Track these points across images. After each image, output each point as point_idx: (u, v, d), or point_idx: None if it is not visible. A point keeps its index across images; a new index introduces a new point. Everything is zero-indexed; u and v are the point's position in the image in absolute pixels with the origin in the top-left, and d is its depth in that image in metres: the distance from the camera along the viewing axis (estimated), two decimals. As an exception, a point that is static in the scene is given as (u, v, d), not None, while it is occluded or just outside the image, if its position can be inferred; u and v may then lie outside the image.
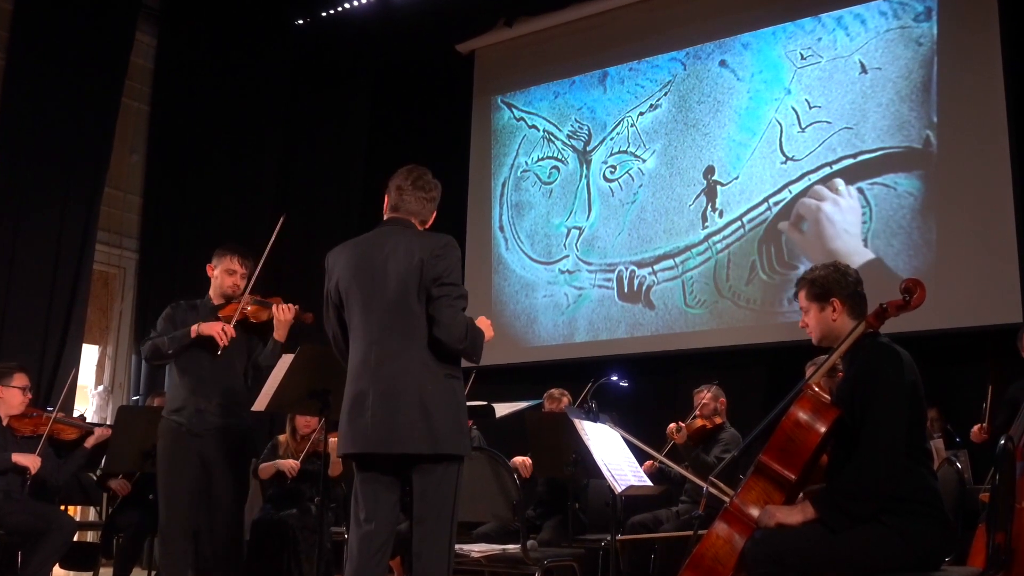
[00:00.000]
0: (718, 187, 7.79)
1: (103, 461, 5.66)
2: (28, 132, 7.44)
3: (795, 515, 2.93)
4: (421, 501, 3.22)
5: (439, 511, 3.21)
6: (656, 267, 7.99)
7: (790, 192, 7.46)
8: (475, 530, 5.35)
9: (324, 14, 9.20)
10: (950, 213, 6.79)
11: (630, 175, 8.28)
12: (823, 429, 2.98)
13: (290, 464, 5.71)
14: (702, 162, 7.92)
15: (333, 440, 3.65)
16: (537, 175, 8.85)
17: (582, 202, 8.52)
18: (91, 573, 5.75)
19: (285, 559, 5.51)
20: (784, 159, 7.53)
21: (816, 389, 3.07)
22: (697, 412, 5.70)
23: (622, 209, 8.28)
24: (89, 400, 8.42)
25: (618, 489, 4.16)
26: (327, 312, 3.44)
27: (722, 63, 7.99)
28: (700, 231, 7.82)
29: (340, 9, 9.10)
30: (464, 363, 3.34)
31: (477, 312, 3.43)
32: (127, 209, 8.65)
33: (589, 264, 8.37)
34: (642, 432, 5.66)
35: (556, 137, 8.79)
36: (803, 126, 7.47)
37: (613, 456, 4.35)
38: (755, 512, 2.98)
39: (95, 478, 6.23)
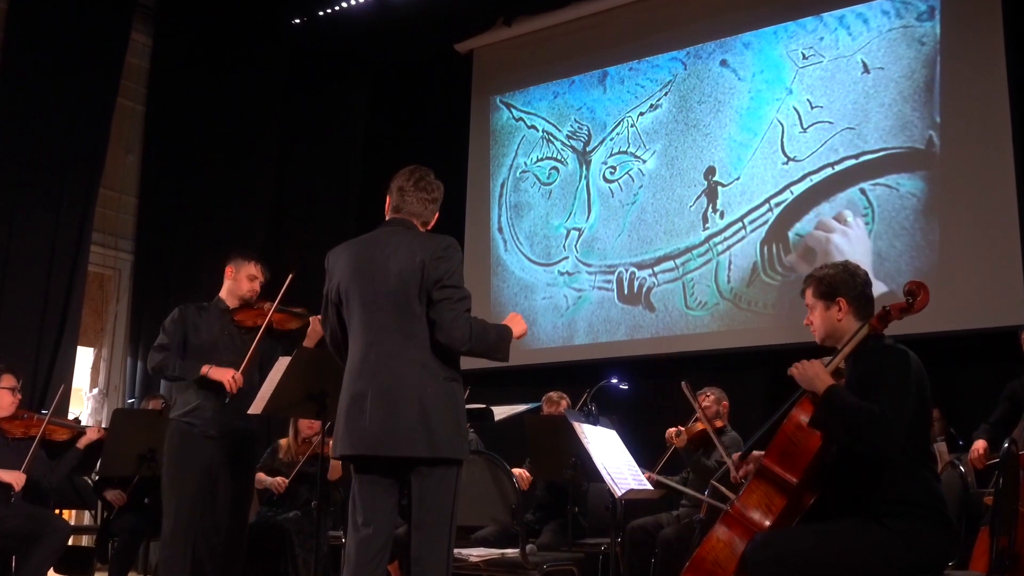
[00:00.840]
0: (719, 188, 7.75)
1: (98, 465, 5.63)
2: (22, 132, 7.40)
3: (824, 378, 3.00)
4: (420, 505, 3.20)
5: (438, 515, 3.20)
6: (656, 269, 7.95)
7: (792, 193, 7.41)
8: (474, 534, 5.35)
9: (321, 13, 9.16)
10: (953, 214, 6.75)
11: (630, 176, 8.24)
12: (825, 432, 2.98)
13: (276, 482, 5.69)
14: (703, 163, 7.88)
15: (333, 443, 3.62)
16: (536, 176, 8.81)
17: (582, 203, 8.47)
18: (86, 578, 5.73)
19: (282, 563, 5.48)
20: (786, 160, 7.49)
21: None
22: (698, 415, 5.66)
23: (622, 210, 8.23)
24: (84, 403, 8.38)
25: (618, 493, 4.14)
26: (326, 311, 3.43)
27: (723, 63, 7.95)
28: (701, 232, 7.78)
29: (337, 8, 9.06)
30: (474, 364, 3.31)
31: (476, 313, 3.38)
32: (122, 210, 8.61)
33: (589, 266, 8.33)
34: (642, 435, 5.63)
35: (555, 137, 8.75)
36: (805, 126, 7.43)
37: (613, 459, 4.34)
38: (756, 515, 2.99)
39: (91, 484, 6.20)
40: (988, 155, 6.68)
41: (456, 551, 3.63)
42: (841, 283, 3.16)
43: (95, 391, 8.35)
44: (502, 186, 9.00)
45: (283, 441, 6.04)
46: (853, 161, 7.18)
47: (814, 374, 3.02)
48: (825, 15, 7.50)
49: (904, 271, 6.74)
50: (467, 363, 3.35)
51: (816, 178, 7.32)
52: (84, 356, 8.30)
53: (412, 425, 3.13)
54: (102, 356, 8.51)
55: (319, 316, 4.38)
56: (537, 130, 8.89)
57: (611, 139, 8.42)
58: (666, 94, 8.20)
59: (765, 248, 7.46)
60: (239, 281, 4.57)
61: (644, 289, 7.99)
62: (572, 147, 8.64)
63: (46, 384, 7.24)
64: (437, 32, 9.07)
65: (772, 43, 7.73)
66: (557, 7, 8.69)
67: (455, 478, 3.23)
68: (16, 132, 7.37)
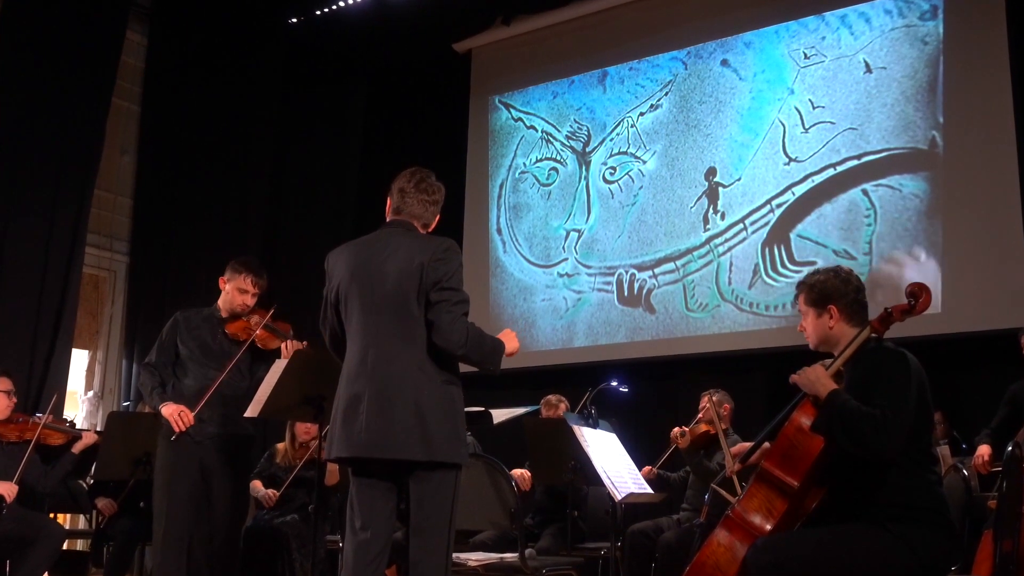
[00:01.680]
0: (720, 189, 7.71)
1: (93, 468, 5.61)
2: (16, 132, 7.35)
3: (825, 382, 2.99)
4: (418, 509, 3.19)
5: (436, 519, 3.19)
6: (657, 270, 7.91)
7: (793, 194, 7.38)
8: (472, 538, 5.33)
9: (318, 12, 9.12)
10: (956, 215, 6.73)
11: (630, 176, 8.20)
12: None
13: (267, 495, 5.66)
14: (703, 163, 7.85)
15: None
16: (535, 176, 8.77)
17: (581, 204, 8.43)
18: (81, 581, 5.71)
19: (280, 567, 5.45)
20: (787, 160, 7.45)
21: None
22: (700, 416, 5.63)
23: (622, 211, 8.19)
24: (79, 406, 8.33)
25: (618, 496, 4.17)
26: (325, 312, 3.43)
27: (724, 62, 7.92)
28: (701, 233, 7.74)
29: (334, 8, 9.02)
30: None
31: (475, 315, 3.38)
32: (117, 211, 8.55)
33: (588, 267, 8.29)
34: (642, 438, 5.60)
35: (555, 138, 8.71)
36: (806, 127, 7.39)
37: (613, 463, 4.34)
38: (757, 519, 2.98)
39: (86, 488, 6.17)
40: (992, 156, 6.65)
41: (454, 555, 3.63)
42: (833, 290, 3.14)
43: (90, 394, 8.31)
44: (501, 187, 8.96)
45: (280, 446, 6.01)
46: (855, 162, 7.14)
47: (816, 378, 3.01)
48: (827, 14, 7.46)
49: (906, 273, 6.70)
50: (465, 364, 3.31)
51: (818, 179, 7.28)
52: (79, 359, 8.25)
53: (408, 428, 3.11)
54: (97, 359, 8.46)
55: (297, 342, 4.48)
56: (536, 130, 8.86)
57: (611, 139, 8.38)
58: (666, 94, 8.16)
59: (766, 249, 7.43)
60: (230, 293, 4.59)
61: (644, 291, 7.95)
62: (572, 147, 8.60)
63: (41, 387, 7.19)
64: (435, 32, 9.04)
65: (774, 42, 7.69)
66: (556, 6, 8.65)
67: (454, 483, 3.22)
68: (10, 132, 7.32)
